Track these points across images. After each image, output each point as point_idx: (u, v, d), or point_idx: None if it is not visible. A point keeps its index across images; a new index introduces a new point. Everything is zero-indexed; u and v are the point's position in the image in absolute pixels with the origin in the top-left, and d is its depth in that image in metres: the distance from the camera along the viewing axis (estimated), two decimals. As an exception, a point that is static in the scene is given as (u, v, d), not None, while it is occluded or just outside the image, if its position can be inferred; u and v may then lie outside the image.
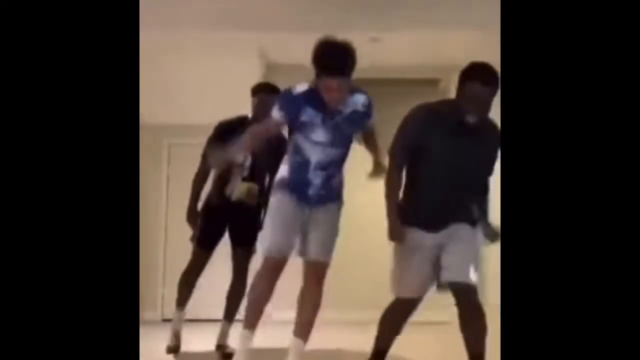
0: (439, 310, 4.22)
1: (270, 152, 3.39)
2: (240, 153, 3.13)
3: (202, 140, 4.27)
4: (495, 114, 2.97)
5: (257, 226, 3.64)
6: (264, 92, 3.81)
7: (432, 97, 3.32)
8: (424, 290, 2.99)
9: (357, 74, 3.69)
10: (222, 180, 3.75)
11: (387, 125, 4.26)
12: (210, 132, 3.98)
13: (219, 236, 3.95)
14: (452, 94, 3.56)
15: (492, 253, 4.56)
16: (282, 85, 4.09)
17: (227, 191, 3.64)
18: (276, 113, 2.90)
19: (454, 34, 4.69)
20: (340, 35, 2.96)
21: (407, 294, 2.98)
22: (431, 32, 4.71)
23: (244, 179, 3.67)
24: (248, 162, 3.65)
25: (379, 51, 5.08)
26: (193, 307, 4.10)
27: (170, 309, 4.00)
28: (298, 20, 2.83)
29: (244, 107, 4.00)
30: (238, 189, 3.59)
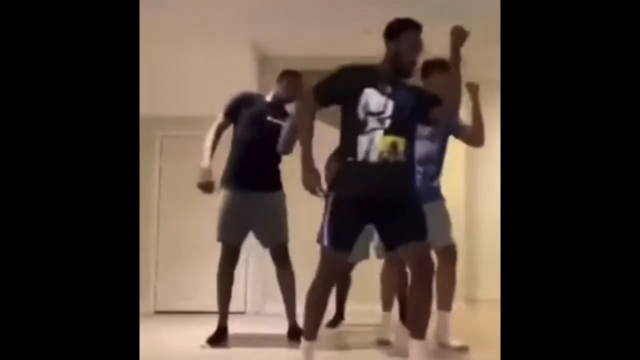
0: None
1: None
2: None
3: (195, 132, 4.28)
4: (495, 113, 3.00)
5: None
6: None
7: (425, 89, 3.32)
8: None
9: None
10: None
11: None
12: (203, 124, 3.99)
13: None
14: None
15: (492, 252, 4.58)
16: (272, 77, 4.11)
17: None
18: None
19: (447, 27, 4.69)
20: (333, 28, 2.97)
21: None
22: (425, 24, 4.71)
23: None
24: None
25: (372, 43, 5.08)
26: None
27: (163, 301, 4.00)
28: (291, 13, 2.82)
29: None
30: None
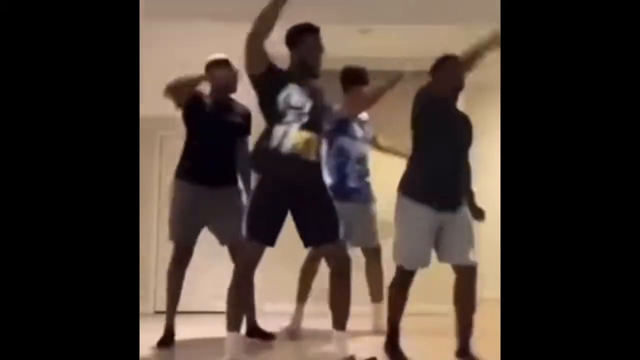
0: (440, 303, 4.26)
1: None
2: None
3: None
4: (495, 113, 3.01)
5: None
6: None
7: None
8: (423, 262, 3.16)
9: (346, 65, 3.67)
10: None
11: (377, 115, 4.28)
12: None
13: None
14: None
15: (490, 250, 4.58)
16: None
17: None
18: None
19: (445, 27, 4.69)
20: (329, 27, 2.98)
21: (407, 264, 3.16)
22: (423, 24, 4.71)
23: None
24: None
25: (369, 43, 5.08)
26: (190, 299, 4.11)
27: (163, 302, 3.99)
28: (288, 11, 2.84)
29: (237, 99, 3.99)
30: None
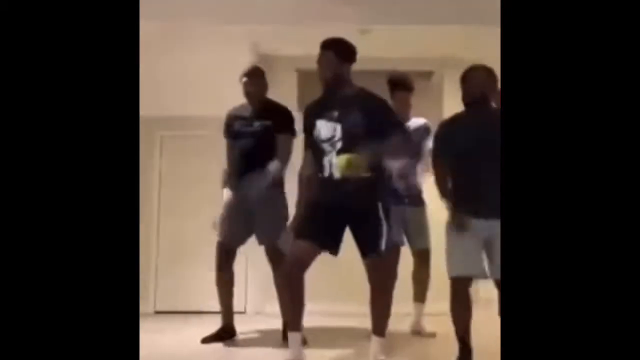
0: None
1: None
2: None
3: (194, 132, 4.27)
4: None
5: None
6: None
7: (424, 90, 3.33)
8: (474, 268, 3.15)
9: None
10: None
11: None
12: (203, 124, 3.99)
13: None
14: (445, 86, 3.59)
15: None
16: (271, 76, 4.11)
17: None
18: None
19: (446, 27, 4.69)
20: (330, 27, 2.98)
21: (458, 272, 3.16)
22: (423, 24, 4.71)
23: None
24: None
25: (369, 43, 5.08)
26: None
27: (163, 301, 3.99)
28: (289, 12, 2.83)
29: (236, 99, 4.00)
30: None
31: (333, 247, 3.10)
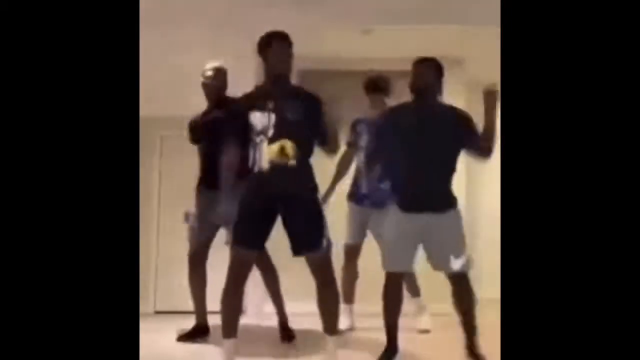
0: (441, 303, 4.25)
1: None
2: None
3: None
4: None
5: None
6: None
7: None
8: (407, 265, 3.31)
9: (348, 65, 3.70)
10: None
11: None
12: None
13: None
14: (445, 86, 3.57)
15: (489, 248, 4.58)
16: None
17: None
18: None
19: (446, 27, 4.69)
20: (332, 28, 2.97)
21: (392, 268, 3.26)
22: (425, 25, 4.71)
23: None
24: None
25: (371, 43, 5.08)
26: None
27: (163, 301, 3.99)
28: (290, 15, 2.83)
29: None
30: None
31: (259, 244, 3.07)
